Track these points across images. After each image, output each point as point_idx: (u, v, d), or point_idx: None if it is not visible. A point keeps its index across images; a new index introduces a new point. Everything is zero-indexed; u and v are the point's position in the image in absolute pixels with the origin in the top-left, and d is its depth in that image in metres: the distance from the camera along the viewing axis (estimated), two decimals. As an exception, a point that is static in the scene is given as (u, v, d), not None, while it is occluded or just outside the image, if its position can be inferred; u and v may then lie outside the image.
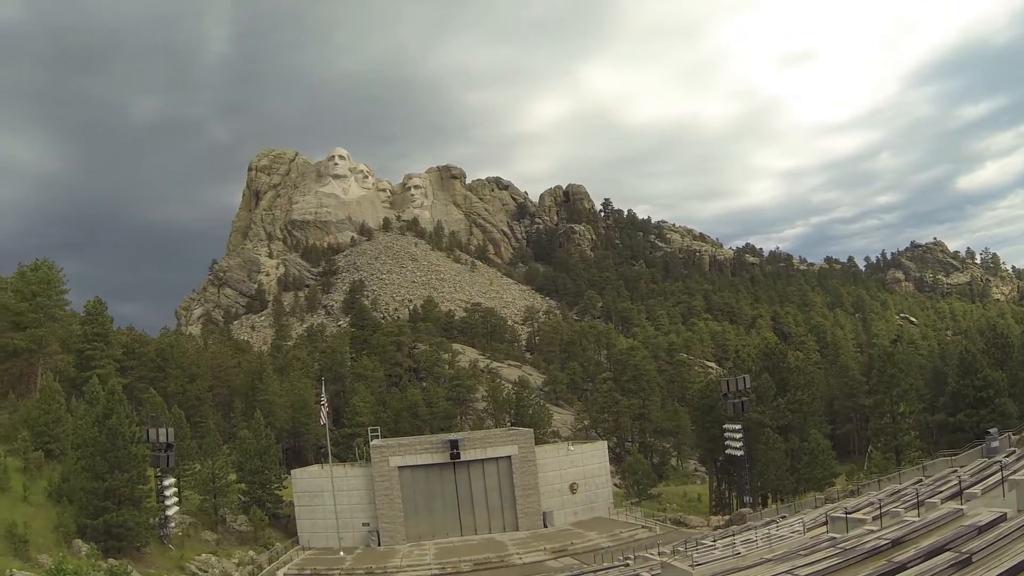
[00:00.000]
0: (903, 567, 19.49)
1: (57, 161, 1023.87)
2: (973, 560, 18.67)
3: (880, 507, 35.37)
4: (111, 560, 54.48)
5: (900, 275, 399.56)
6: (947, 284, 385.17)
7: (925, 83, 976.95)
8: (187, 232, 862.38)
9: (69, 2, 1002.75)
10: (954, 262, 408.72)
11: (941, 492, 37.99)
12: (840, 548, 26.26)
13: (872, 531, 28.52)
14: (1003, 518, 23.71)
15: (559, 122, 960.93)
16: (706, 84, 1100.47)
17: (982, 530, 22.54)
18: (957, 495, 35.21)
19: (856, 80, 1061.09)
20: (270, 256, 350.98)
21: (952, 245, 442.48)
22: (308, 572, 66.51)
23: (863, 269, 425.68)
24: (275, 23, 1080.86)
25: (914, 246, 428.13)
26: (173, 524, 70.64)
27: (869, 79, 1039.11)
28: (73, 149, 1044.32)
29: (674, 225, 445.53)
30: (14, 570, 44.07)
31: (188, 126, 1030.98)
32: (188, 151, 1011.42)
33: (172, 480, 71.91)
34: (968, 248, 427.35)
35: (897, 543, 24.67)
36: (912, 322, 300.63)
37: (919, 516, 29.97)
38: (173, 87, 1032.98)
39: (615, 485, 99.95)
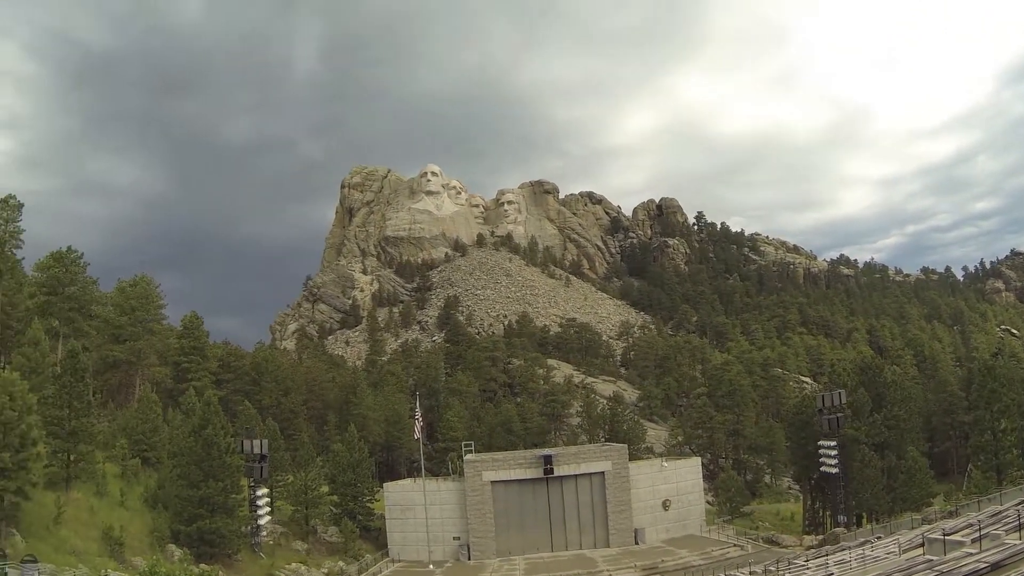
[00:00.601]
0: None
1: (155, 181, 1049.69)
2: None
3: (979, 529, 34.93)
4: (203, 565, 56.98)
5: (1000, 285, 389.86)
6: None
7: (1020, 80, 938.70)
8: (281, 249, 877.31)
9: (159, 27, 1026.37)
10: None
11: (1046, 513, 37.08)
12: (936, 571, 26.49)
13: (970, 554, 28.53)
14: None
15: (650, 133, 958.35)
16: (796, 90, 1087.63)
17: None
18: (1064, 517, 34.47)
19: (949, 80, 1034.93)
20: (364, 272, 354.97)
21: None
22: (396, 584, 68.10)
23: (961, 279, 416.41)
24: (363, 41, 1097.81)
25: (1014, 254, 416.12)
26: (264, 533, 73.16)
27: (963, 78, 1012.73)
28: (170, 169, 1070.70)
29: (767, 237, 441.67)
30: (110, 571, 46.40)
31: (281, 144, 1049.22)
32: (281, 169, 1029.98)
33: (265, 490, 74.36)
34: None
35: (997, 567, 24.69)
36: (1014, 334, 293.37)
37: (1021, 539, 29.54)
38: (265, 106, 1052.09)
39: (708, 502, 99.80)
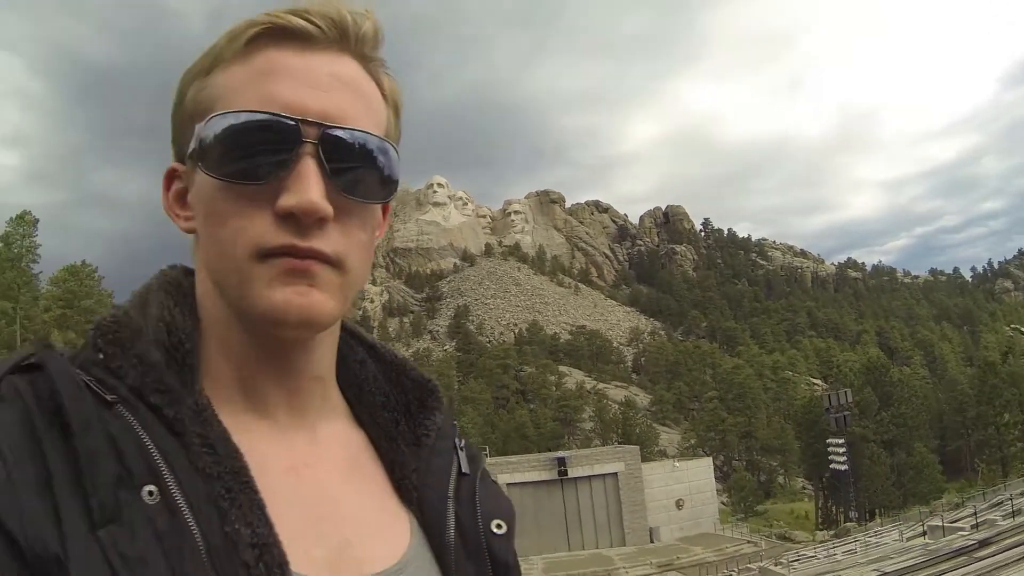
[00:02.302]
0: (980, 560, 21.38)
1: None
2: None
3: (976, 515, 36.54)
4: None
5: (1009, 284, 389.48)
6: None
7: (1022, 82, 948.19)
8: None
9: (164, 43, 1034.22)
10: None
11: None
12: (930, 550, 28.09)
13: (964, 536, 30.07)
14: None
15: (657, 140, 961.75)
16: (802, 94, 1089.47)
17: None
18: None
19: (954, 82, 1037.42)
20: (373, 283, 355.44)
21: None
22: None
23: (970, 280, 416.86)
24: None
25: (1022, 254, 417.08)
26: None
27: (967, 80, 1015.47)
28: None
29: (775, 242, 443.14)
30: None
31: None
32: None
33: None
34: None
35: (984, 543, 26.33)
36: (1023, 332, 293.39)
37: (1014, 522, 31.01)
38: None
39: (721, 503, 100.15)
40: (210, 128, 1.14)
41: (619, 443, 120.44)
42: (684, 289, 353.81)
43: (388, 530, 1.24)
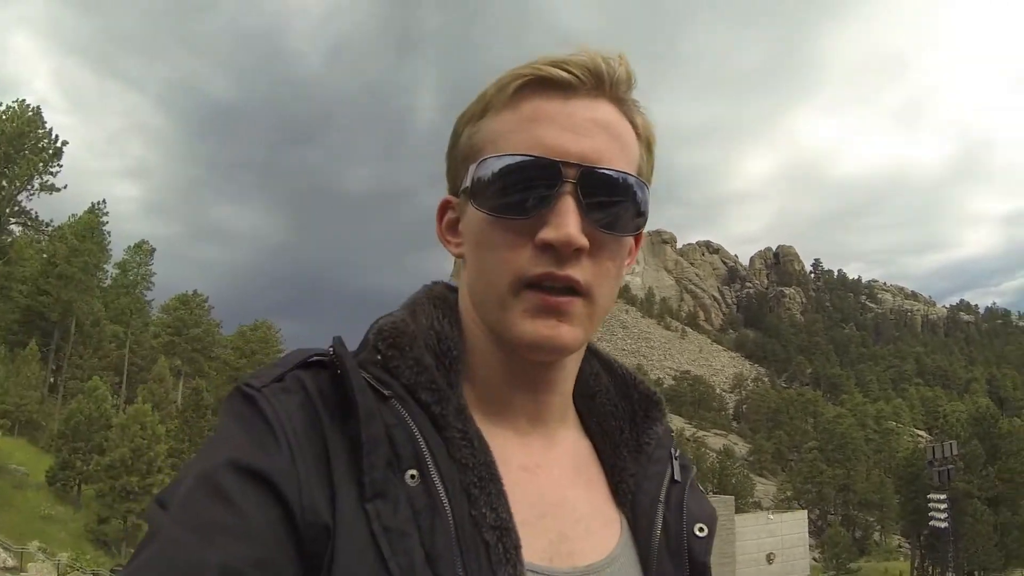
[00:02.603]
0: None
1: (276, 228, 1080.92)
2: None
3: None
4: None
5: None
6: None
7: None
8: (400, 296, 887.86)
9: (282, 81, 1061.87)
10: None
11: None
12: None
13: None
14: None
15: (769, 178, 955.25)
16: (917, 124, 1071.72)
17: None
18: None
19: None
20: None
21: None
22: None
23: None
24: (475, 93, 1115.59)
25: None
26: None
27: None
28: (290, 217, 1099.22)
29: (885, 284, 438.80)
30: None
31: (401, 193, 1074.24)
32: (401, 218, 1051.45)
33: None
34: None
35: None
36: None
37: None
38: (386, 156, 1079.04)
39: (813, 559, 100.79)
40: (482, 169, 1.37)
41: (714, 493, 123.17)
42: (791, 333, 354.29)
43: (601, 529, 1.51)
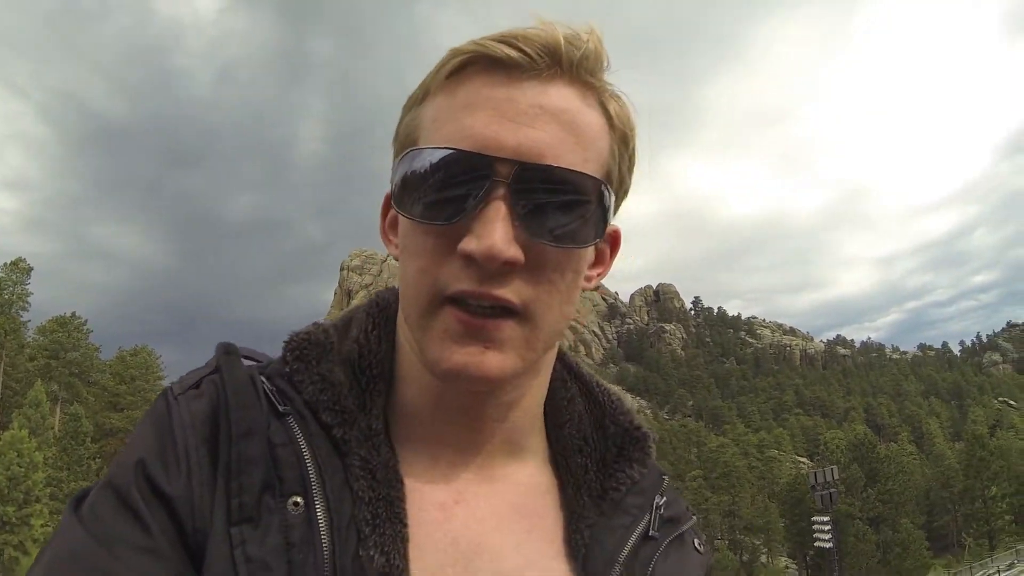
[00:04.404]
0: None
1: (156, 252, 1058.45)
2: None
3: None
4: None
5: (997, 357, 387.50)
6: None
7: (1019, 152, 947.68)
8: (280, 327, 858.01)
9: (170, 100, 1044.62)
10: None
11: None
12: None
13: None
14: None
15: (650, 217, 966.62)
16: (796, 172, 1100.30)
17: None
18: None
19: (947, 155, 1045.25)
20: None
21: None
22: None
23: (958, 354, 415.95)
24: (362, 128, 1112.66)
25: (1011, 326, 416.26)
26: None
27: (960, 153, 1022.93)
28: (172, 241, 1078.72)
29: (764, 320, 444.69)
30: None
31: (282, 223, 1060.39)
32: (281, 248, 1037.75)
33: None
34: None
35: None
36: (1011, 405, 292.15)
37: None
38: (268, 185, 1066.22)
39: None
40: (404, 164, 1.12)
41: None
42: (672, 368, 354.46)
43: None
